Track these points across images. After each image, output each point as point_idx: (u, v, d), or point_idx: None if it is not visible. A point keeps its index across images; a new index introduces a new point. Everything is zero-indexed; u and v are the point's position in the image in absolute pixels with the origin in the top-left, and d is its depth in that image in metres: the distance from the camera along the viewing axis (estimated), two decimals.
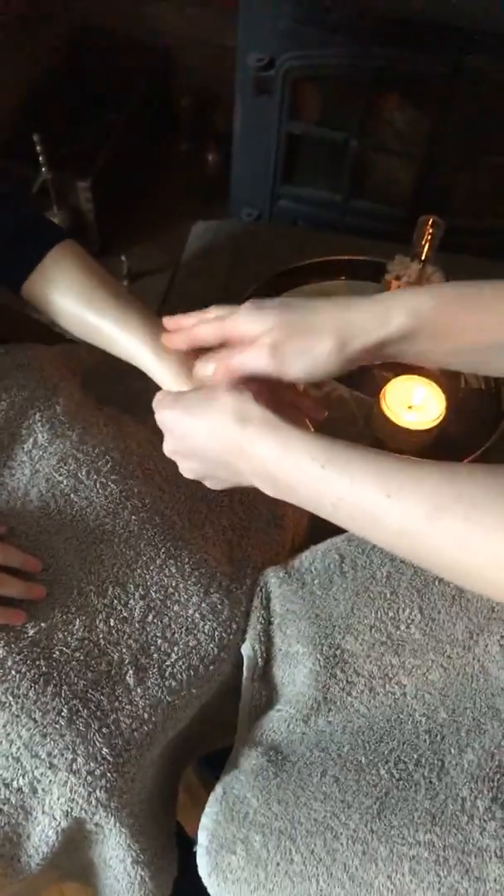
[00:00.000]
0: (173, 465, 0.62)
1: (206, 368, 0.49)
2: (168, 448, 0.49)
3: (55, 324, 0.60)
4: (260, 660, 0.55)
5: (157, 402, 0.49)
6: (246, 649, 0.54)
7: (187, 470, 0.49)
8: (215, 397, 0.44)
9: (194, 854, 0.56)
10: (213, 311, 0.50)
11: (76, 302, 0.56)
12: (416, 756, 0.47)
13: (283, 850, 0.45)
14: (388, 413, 0.80)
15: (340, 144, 1.14)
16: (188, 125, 1.60)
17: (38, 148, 1.21)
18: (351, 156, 1.15)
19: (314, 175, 1.23)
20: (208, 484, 0.49)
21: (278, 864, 0.45)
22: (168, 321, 0.53)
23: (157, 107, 1.56)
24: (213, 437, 0.44)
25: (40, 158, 1.23)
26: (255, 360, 0.44)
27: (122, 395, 0.68)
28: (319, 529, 0.71)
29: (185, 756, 0.60)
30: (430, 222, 0.83)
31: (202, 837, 0.49)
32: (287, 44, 1.04)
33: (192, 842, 0.68)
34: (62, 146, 1.29)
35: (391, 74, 1.07)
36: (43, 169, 1.25)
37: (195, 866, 0.56)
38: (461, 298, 0.42)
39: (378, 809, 0.44)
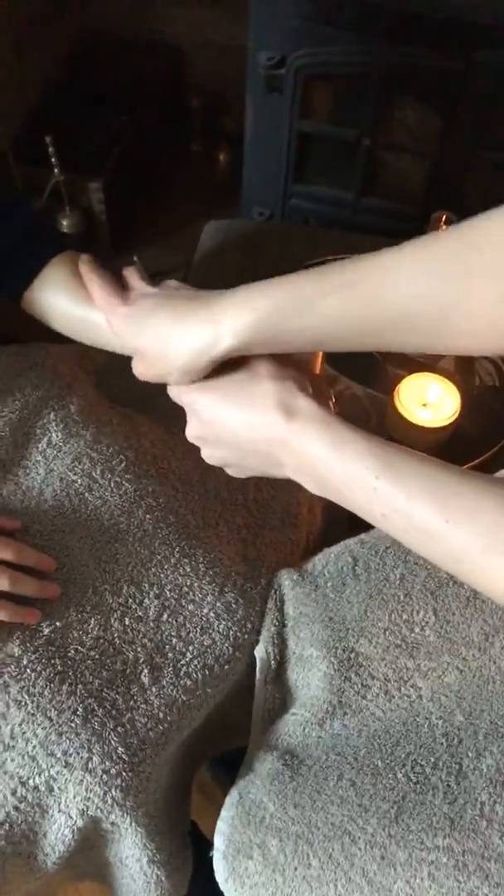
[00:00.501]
0: (187, 464, 0.62)
1: None
2: (192, 433, 0.47)
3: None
4: (273, 662, 0.54)
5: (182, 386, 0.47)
6: (259, 652, 0.54)
7: (211, 457, 0.48)
8: (256, 383, 0.43)
9: (210, 853, 0.56)
10: (132, 279, 0.52)
11: (78, 304, 0.55)
12: (433, 760, 0.47)
13: (300, 854, 0.45)
14: (402, 411, 0.79)
15: (352, 142, 1.13)
16: (199, 125, 1.60)
17: (51, 150, 1.22)
18: (363, 154, 1.14)
19: (326, 173, 1.22)
20: (231, 472, 0.48)
21: (296, 868, 0.45)
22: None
23: (168, 107, 1.56)
24: (251, 427, 0.43)
25: (52, 160, 1.23)
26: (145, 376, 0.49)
27: (135, 395, 0.68)
28: (334, 528, 0.71)
29: (199, 756, 0.60)
30: (443, 219, 0.82)
31: (219, 842, 0.49)
32: (298, 42, 1.03)
33: (206, 840, 0.68)
34: (74, 148, 1.29)
35: (402, 71, 1.06)
36: (55, 170, 1.25)
37: (210, 865, 0.56)
38: (285, 307, 0.41)
39: (396, 813, 0.44)
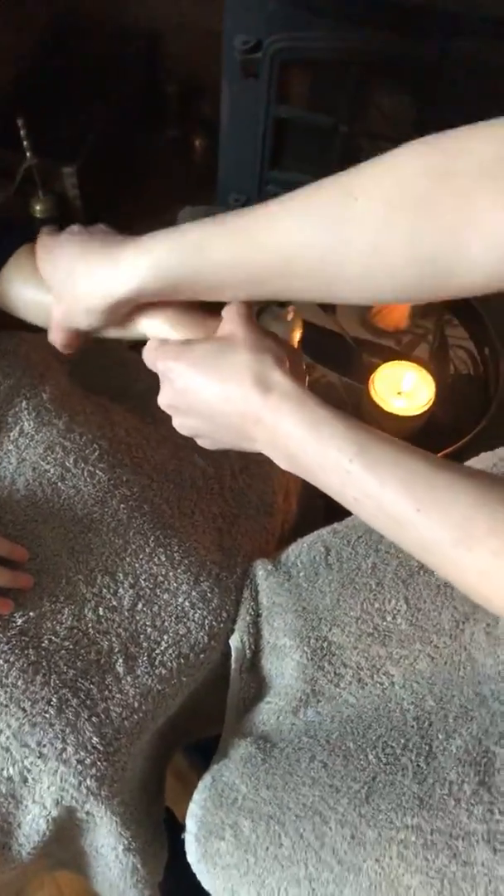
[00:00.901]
0: (163, 453, 0.62)
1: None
2: (165, 401, 0.46)
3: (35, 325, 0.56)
4: (248, 652, 0.55)
5: (156, 350, 0.46)
6: (234, 641, 0.54)
7: (182, 426, 0.47)
8: (232, 353, 0.42)
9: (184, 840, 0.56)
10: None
11: (47, 292, 0.52)
12: (403, 741, 0.47)
13: (271, 834, 0.45)
14: (377, 399, 0.80)
15: (329, 129, 1.13)
16: (175, 111, 1.58)
17: (23, 133, 1.19)
18: (339, 141, 1.14)
19: (302, 160, 1.21)
20: (202, 443, 0.47)
21: (267, 848, 0.45)
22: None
23: (144, 92, 1.54)
24: (225, 399, 0.42)
25: (25, 144, 1.21)
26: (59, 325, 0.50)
27: (109, 384, 0.67)
28: (309, 517, 0.71)
29: (173, 744, 0.60)
30: None
31: (190, 824, 0.49)
32: (274, 26, 1.02)
33: (182, 827, 0.68)
34: (47, 132, 1.27)
35: (379, 58, 1.06)
36: (28, 154, 1.23)
37: (185, 852, 0.57)
38: (176, 252, 0.43)
39: (366, 794, 0.45)
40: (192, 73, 1.54)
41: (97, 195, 1.37)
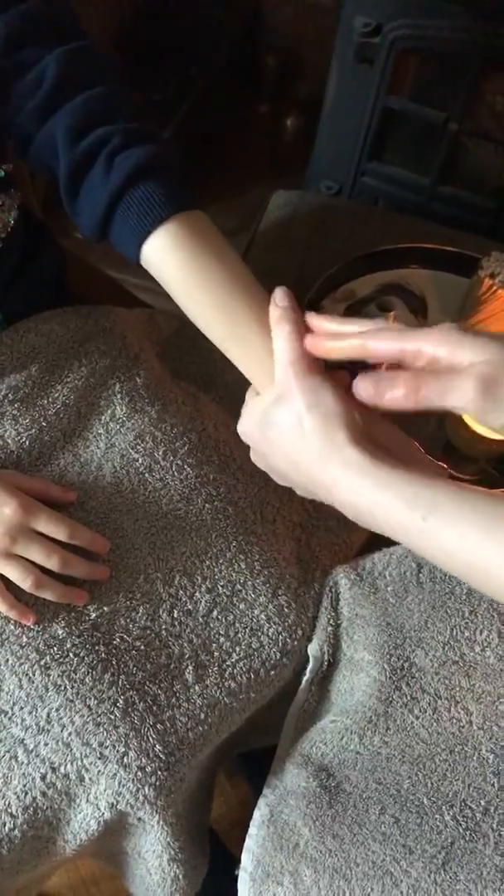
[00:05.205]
0: (247, 453, 0.59)
1: (394, 390, 0.37)
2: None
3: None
4: (325, 663, 0.52)
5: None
6: (313, 650, 0.52)
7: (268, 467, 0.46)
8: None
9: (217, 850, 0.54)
10: (365, 326, 0.41)
11: (204, 305, 0.46)
12: (483, 803, 0.44)
13: (335, 890, 0.43)
14: (467, 419, 0.76)
15: (438, 125, 1.07)
16: (271, 87, 1.53)
17: None
18: (447, 138, 1.08)
19: (403, 154, 1.16)
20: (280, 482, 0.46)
21: None
22: (311, 318, 0.44)
23: (241, 64, 1.50)
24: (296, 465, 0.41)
25: None
26: (458, 395, 0.35)
27: (196, 370, 0.65)
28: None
29: (225, 756, 0.58)
30: None
31: (246, 861, 0.47)
32: (398, 10, 0.97)
33: (212, 832, 0.66)
34: (141, 95, 1.24)
35: (502, 55, 1.00)
36: None
37: (213, 862, 0.55)
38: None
39: (443, 860, 0.42)
40: (292, 48, 1.49)
41: (184, 165, 1.34)
